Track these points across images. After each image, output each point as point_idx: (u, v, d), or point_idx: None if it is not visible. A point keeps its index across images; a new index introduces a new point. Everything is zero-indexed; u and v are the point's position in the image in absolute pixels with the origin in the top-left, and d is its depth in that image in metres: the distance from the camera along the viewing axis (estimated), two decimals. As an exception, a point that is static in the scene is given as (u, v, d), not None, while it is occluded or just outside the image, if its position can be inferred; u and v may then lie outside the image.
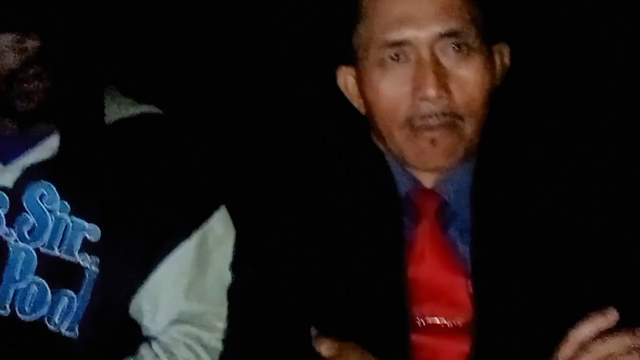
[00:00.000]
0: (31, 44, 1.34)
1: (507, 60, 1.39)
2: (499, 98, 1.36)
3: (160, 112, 1.53)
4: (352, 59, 1.37)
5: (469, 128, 1.31)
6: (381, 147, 1.39)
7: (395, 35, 1.28)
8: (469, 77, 1.29)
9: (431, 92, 1.27)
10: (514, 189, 1.35)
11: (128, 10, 1.82)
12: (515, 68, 1.39)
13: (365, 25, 1.32)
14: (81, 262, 1.41)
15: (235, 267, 1.43)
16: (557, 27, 1.80)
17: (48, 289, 1.41)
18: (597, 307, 1.18)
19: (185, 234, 1.44)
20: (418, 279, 1.33)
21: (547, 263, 1.31)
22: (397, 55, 1.29)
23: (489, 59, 1.33)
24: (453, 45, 1.28)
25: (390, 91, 1.31)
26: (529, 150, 1.37)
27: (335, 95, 1.42)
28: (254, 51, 1.90)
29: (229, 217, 1.49)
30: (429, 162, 1.32)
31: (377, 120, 1.34)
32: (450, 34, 1.28)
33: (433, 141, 1.30)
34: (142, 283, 1.43)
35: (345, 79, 1.40)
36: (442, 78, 1.28)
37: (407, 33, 1.28)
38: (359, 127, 1.41)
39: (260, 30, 1.92)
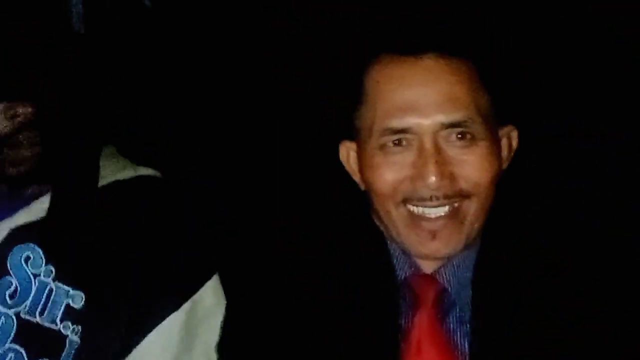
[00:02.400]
0: (22, 110, 1.30)
1: (514, 143, 1.36)
2: (504, 185, 1.33)
3: (158, 175, 1.48)
4: (354, 135, 1.35)
5: (473, 208, 1.28)
6: (380, 227, 1.36)
7: (398, 123, 1.27)
8: (473, 164, 1.27)
9: (432, 180, 1.25)
10: (518, 281, 1.31)
11: (125, 71, 1.80)
12: (521, 152, 1.36)
13: (367, 108, 1.30)
14: (62, 330, 1.35)
15: (221, 349, 1.37)
16: (561, 111, 1.79)
17: (25, 358, 1.34)
18: None
19: (173, 306, 1.38)
20: None
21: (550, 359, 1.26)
22: (399, 141, 1.27)
23: (495, 145, 1.30)
24: (457, 135, 1.26)
25: (390, 175, 1.29)
26: (534, 240, 1.34)
27: (336, 170, 1.39)
28: (254, 119, 1.88)
29: (221, 289, 1.43)
30: (428, 253, 1.30)
31: (375, 199, 1.32)
32: (453, 124, 1.26)
33: (433, 234, 1.28)
34: (125, 354, 1.36)
35: (348, 153, 1.38)
36: (444, 166, 1.26)
37: (410, 121, 1.26)
38: (359, 204, 1.38)
39: (261, 99, 1.89)
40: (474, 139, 1.26)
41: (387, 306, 1.31)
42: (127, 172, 1.45)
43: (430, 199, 1.26)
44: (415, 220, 1.28)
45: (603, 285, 1.30)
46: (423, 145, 1.26)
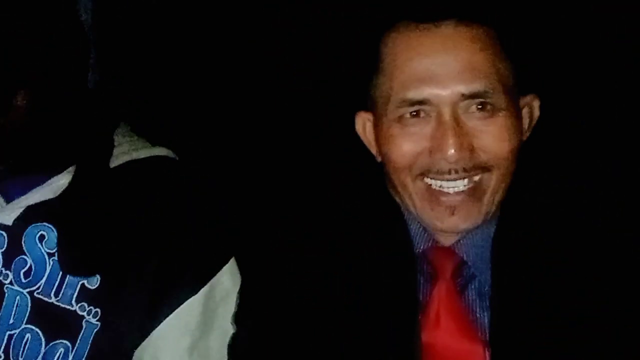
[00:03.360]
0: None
1: (536, 113, 1.32)
2: (525, 156, 1.29)
3: (174, 156, 1.46)
4: (370, 105, 1.31)
5: (494, 181, 1.24)
6: (397, 199, 1.33)
7: (415, 94, 1.22)
8: (494, 135, 1.23)
9: (451, 152, 1.21)
10: (538, 253, 1.28)
11: (141, 48, 1.79)
12: (542, 124, 1.32)
13: (384, 78, 1.26)
14: (78, 311, 1.35)
15: (239, 319, 1.36)
16: (584, 79, 1.73)
17: (42, 338, 1.34)
18: None
19: (192, 289, 1.37)
20: (432, 344, 1.26)
21: (571, 334, 1.23)
22: (417, 112, 1.24)
23: (516, 115, 1.26)
24: (477, 106, 1.22)
25: (408, 147, 1.25)
26: (554, 213, 1.30)
27: (352, 142, 1.36)
28: (271, 94, 1.86)
29: (238, 271, 1.42)
30: (446, 228, 1.26)
31: (392, 171, 1.29)
32: (473, 95, 1.21)
33: (452, 209, 1.24)
34: (143, 338, 1.36)
35: (364, 124, 1.34)
36: (464, 138, 1.21)
37: (428, 92, 1.22)
38: (375, 177, 1.35)
39: (278, 75, 1.87)
40: (494, 109, 1.22)
41: (405, 279, 1.28)
42: (143, 152, 1.44)
43: (449, 172, 1.23)
44: (434, 194, 1.25)
45: (626, 261, 1.26)
46: (442, 117, 1.22)
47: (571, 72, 1.75)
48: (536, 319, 1.24)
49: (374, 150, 1.34)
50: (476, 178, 1.24)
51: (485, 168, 1.24)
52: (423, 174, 1.25)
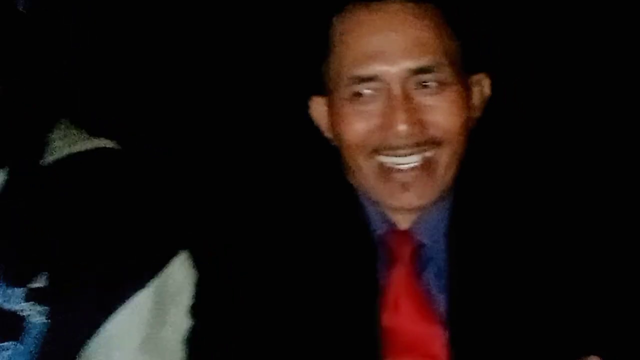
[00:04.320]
0: None
1: (487, 91, 1.32)
2: (476, 134, 1.30)
3: (117, 146, 1.42)
4: (324, 89, 1.31)
5: (445, 156, 1.25)
6: (354, 183, 1.32)
7: (364, 71, 1.23)
8: (443, 110, 1.24)
9: (402, 128, 1.22)
10: (493, 232, 1.28)
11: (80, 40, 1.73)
12: (493, 101, 1.32)
13: (334, 58, 1.27)
14: (23, 311, 1.30)
15: (194, 311, 1.33)
16: (533, 57, 1.74)
17: (-12, 343, 1.29)
18: (580, 355, 1.15)
19: (142, 283, 1.32)
20: (392, 329, 1.26)
21: (528, 313, 1.25)
22: (366, 89, 1.24)
23: (466, 91, 1.27)
24: (425, 81, 1.23)
25: (359, 125, 1.25)
26: (508, 190, 1.31)
27: (306, 127, 1.35)
28: (220, 78, 1.81)
29: (190, 262, 1.38)
30: (401, 205, 1.26)
31: (345, 152, 1.28)
32: (422, 71, 1.23)
33: (404, 185, 1.25)
34: (93, 335, 1.31)
35: (318, 109, 1.33)
36: (414, 113, 1.22)
37: (377, 68, 1.23)
38: (332, 162, 1.33)
39: (229, 58, 1.83)
40: (443, 84, 1.23)
41: (364, 264, 1.28)
42: (83, 144, 1.38)
43: (401, 147, 1.23)
44: (387, 172, 1.25)
45: (580, 233, 1.27)
46: (391, 93, 1.23)
47: (522, 50, 1.75)
48: (493, 298, 1.25)
49: (328, 134, 1.33)
50: (428, 154, 1.25)
51: (436, 143, 1.24)
52: (376, 151, 1.25)
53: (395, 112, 1.22)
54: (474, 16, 1.29)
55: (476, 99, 1.30)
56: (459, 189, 1.30)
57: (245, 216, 1.34)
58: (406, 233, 1.30)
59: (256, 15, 1.78)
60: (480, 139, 1.30)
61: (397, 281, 1.27)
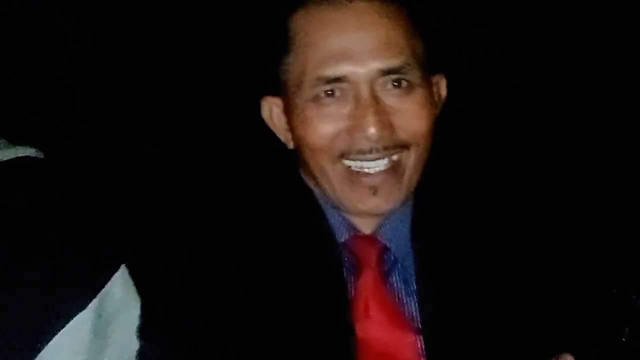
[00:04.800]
0: None
1: (443, 92, 1.30)
2: (437, 136, 1.27)
3: (41, 155, 1.30)
4: (278, 89, 1.25)
5: (412, 159, 1.22)
6: (314, 188, 1.26)
7: (332, 71, 1.18)
8: (412, 113, 1.21)
9: (371, 131, 1.18)
10: (456, 232, 1.26)
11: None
12: (452, 104, 1.31)
13: (296, 57, 1.21)
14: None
15: (144, 333, 1.23)
16: (490, 59, 1.74)
17: None
18: (553, 352, 1.13)
19: (79, 304, 1.22)
20: (364, 337, 1.21)
21: (498, 312, 1.22)
22: (332, 91, 1.19)
23: (430, 92, 1.25)
24: (394, 82, 1.20)
25: (325, 128, 1.20)
26: (467, 189, 1.29)
27: (259, 129, 1.28)
28: (172, 80, 1.71)
29: (130, 278, 1.28)
30: (369, 210, 1.22)
31: (308, 156, 1.23)
32: (391, 71, 1.19)
33: (374, 189, 1.21)
34: (33, 358, 1.19)
35: (271, 110, 1.28)
36: (383, 115, 1.19)
37: (345, 69, 1.18)
38: (288, 166, 1.28)
39: (175, 57, 1.72)
40: (411, 86, 1.20)
41: (331, 273, 1.22)
42: (5, 153, 1.26)
43: (370, 151, 1.19)
44: (354, 176, 1.21)
45: (539, 231, 1.26)
46: (360, 95, 1.18)
47: (483, 52, 1.75)
48: (463, 300, 1.22)
49: (283, 137, 1.28)
50: (395, 157, 1.21)
51: (404, 146, 1.21)
52: (343, 155, 1.21)
53: (365, 115, 1.18)
54: (439, 16, 1.27)
55: (437, 100, 1.28)
56: (421, 191, 1.27)
57: (200, 226, 1.26)
58: (370, 238, 1.26)
59: (208, 14, 1.68)
60: (440, 141, 1.27)
61: (365, 288, 1.22)
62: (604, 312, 1.21)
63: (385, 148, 1.19)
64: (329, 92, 1.19)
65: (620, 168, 1.40)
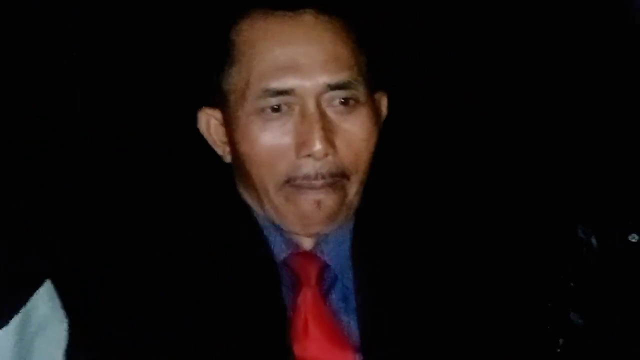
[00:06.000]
0: None
1: (384, 110, 1.29)
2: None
3: None
4: (217, 101, 1.22)
5: (353, 189, 1.21)
6: (249, 202, 1.24)
7: (278, 84, 1.16)
8: (356, 133, 1.19)
9: (318, 147, 1.16)
10: (395, 248, 1.26)
11: None
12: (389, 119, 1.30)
13: (240, 68, 1.18)
14: None
15: (71, 355, 1.18)
16: (429, 78, 1.78)
17: None
18: None
19: (2, 319, 1.17)
20: (302, 357, 1.19)
21: (437, 328, 1.22)
22: (278, 105, 1.17)
23: (374, 110, 1.23)
24: (340, 99, 1.18)
25: (270, 144, 1.17)
26: (408, 207, 1.29)
27: (193, 141, 1.25)
28: (108, 88, 1.65)
29: (55, 293, 1.22)
30: (310, 227, 1.21)
31: (252, 174, 1.20)
32: (339, 86, 1.18)
33: (318, 203, 1.18)
34: None
35: (208, 122, 1.24)
36: (329, 133, 1.17)
37: (292, 82, 1.16)
38: (223, 180, 1.25)
39: (107, 69, 1.67)
40: (357, 103, 1.19)
41: (269, 292, 1.20)
42: None
43: (316, 177, 1.17)
44: (299, 191, 1.18)
45: (474, 248, 1.27)
46: (306, 110, 1.16)
47: (420, 69, 1.78)
48: (401, 318, 1.22)
49: (220, 150, 1.25)
50: (339, 183, 1.20)
51: (345, 175, 1.20)
52: (288, 181, 1.18)
53: (312, 130, 1.15)
54: (383, 32, 1.30)
55: (379, 119, 1.27)
56: (361, 208, 1.25)
57: (129, 243, 1.22)
58: (310, 255, 1.24)
59: (147, 21, 1.65)
60: (379, 159, 1.26)
61: (305, 306, 1.21)
62: (539, 324, 1.25)
63: (330, 175, 1.17)
64: (275, 107, 1.16)
65: (556, 179, 1.46)
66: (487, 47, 1.80)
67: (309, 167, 1.17)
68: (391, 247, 1.25)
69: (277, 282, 1.20)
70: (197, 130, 1.25)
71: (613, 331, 1.27)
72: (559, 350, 1.21)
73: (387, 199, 1.28)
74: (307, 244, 1.24)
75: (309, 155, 1.16)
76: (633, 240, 1.28)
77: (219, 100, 1.21)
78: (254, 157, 1.18)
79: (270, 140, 1.17)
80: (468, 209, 1.30)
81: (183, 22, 1.39)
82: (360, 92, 1.19)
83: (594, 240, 1.31)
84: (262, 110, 1.17)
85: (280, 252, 1.22)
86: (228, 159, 1.23)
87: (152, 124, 1.63)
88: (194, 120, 1.25)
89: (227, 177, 1.24)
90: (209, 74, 1.21)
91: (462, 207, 1.30)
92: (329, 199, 1.18)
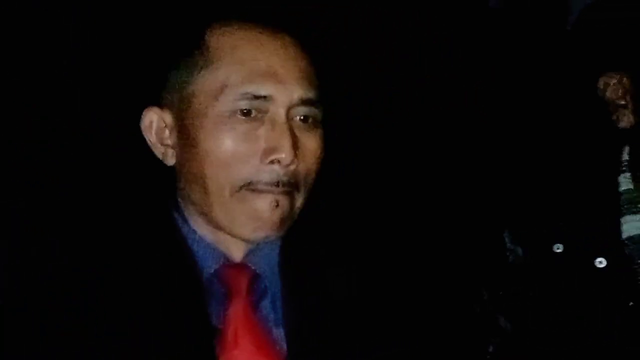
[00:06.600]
0: None
1: None
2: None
3: None
4: (170, 102, 1.23)
5: (299, 202, 1.24)
6: (189, 210, 1.24)
7: (257, 89, 1.19)
8: (312, 150, 1.23)
9: (287, 154, 1.19)
10: (322, 260, 1.27)
11: None
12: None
13: (216, 70, 1.20)
14: None
15: None
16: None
17: None
18: None
19: None
20: None
21: (363, 339, 1.23)
22: (248, 110, 1.19)
23: (323, 132, 1.27)
24: (302, 115, 1.22)
25: (237, 146, 1.19)
26: (331, 219, 1.32)
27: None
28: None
29: None
30: (261, 230, 1.21)
31: (209, 175, 1.20)
32: (308, 102, 1.22)
33: (277, 202, 1.20)
34: None
35: (152, 122, 1.25)
36: (295, 143, 1.20)
37: (271, 89, 1.20)
38: (151, 195, 1.25)
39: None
40: (315, 122, 1.24)
41: (194, 306, 1.20)
42: None
43: (277, 184, 1.19)
44: (257, 192, 1.20)
45: (396, 257, 1.29)
46: (276, 118, 1.20)
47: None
48: (327, 329, 1.22)
49: (160, 152, 1.25)
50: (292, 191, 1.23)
51: (298, 189, 1.23)
52: (246, 185, 1.20)
53: (282, 137, 1.18)
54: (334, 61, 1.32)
55: None
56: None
57: (49, 260, 1.20)
58: (241, 266, 1.25)
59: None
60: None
61: (235, 317, 1.21)
62: (469, 330, 1.26)
63: (288, 184, 1.20)
64: (245, 111, 1.19)
65: (483, 188, 1.48)
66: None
67: (273, 173, 1.19)
68: (318, 258, 1.26)
69: (202, 295, 1.20)
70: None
71: (540, 336, 1.29)
72: (488, 356, 1.23)
73: (314, 213, 1.29)
74: (237, 255, 1.25)
75: (273, 162, 1.19)
76: (558, 251, 1.31)
77: (175, 101, 1.22)
78: (217, 158, 1.19)
79: (237, 142, 1.19)
80: (394, 221, 1.33)
81: (155, 22, 1.37)
82: (319, 114, 1.24)
83: (520, 250, 1.34)
84: (234, 112, 1.19)
85: (211, 264, 1.23)
86: (170, 162, 1.24)
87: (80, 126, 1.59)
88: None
89: (157, 189, 1.24)
90: (165, 74, 1.23)
91: (387, 219, 1.33)
92: (285, 202, 1.21)
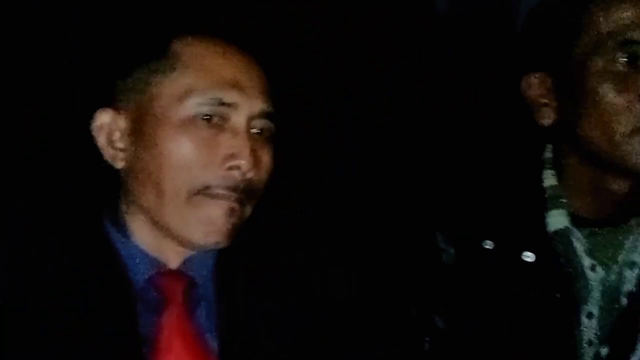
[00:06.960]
0: None
1: None
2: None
3: None
4: (125, 105, 1.24)
5: (248, 211, 1.26)
6: (130, 215, 1.25)
7: (224, 95, 1.22)
8: (265, 162, 1.26)
9: (247, 162, 1.21)
10: (255, 268, 1.28)
11: None
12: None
13: (182, 75, 1.23)
14: None
15: None
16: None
17: None
18: None
19: None
20: None
21: (297, 348, 1.24)
22: (210, 116, 1.22)
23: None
24: (259, 128, 1.26)
25: (195, 151, 1.21)
26: (267, 227, 1.32)
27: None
28: None
29: None
30: (212, 235, 1.22)
31: (164, 178, 1.21)
32: (266, 116, 1.26)
33: (231, 210, 1.22)
34: None
35: (103, 122, 1.25)
36: (253, 152, 1.23)
37: (237, 97, 1.23)
38: (82, 206, 1.23)
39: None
40: (268, 137, 1.27)
41: (122, 316, 1.20)
42: None
43: (234, 189, 1.21)
44: (212, 198, 1.21)
45: (338, 267, 1.31)
46: (238, 126, 1.23)
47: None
48: (261, 337, 1.23)
49: (110, 154, 1.25)
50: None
51: (249, 197, 1.24)
52: (202, 189, 1.21)
53: (243, 145, 1.21)
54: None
55: None
56: None
57: None
58: (176, 273, 1.25)
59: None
60: None
61: (169, 324, 1.21)
62: (405, 330, 1.28)
63: (244, 191, 1.22)
64: (207, 117, 1.21)
65: (414, 190, 1.49)
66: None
67: (231, 179, 1.21)
68: (252, 267, 1.27)
69: (131, 303, 1.20)
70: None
71: (473, 333, 1.31)
72: (424, 354, 1.25)
73: (251, 223, 1.29)
74: (173, 263, 1.25)
75: (232, 168, 1.20)
76: (487, 247, 1.34)
77: (131, 103, 1.23)
78: (177, 161, 1.20)
79: (198, 147, 1.21)
80: (330, 227, 1.35)
81: (119, 25, 1.36)
82: (273, 128, 1.28)
83: (452, 249, 1.36)
84: (196, 117, 1.21)
85: (144, 272, 1.23)
86: (119, 165, 1.25)
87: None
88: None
89: (90, 195, 1.24)
90: (121, 76, 1.24)
91: (323, 225, 1.36)
92: (238, 210, 1.22)
